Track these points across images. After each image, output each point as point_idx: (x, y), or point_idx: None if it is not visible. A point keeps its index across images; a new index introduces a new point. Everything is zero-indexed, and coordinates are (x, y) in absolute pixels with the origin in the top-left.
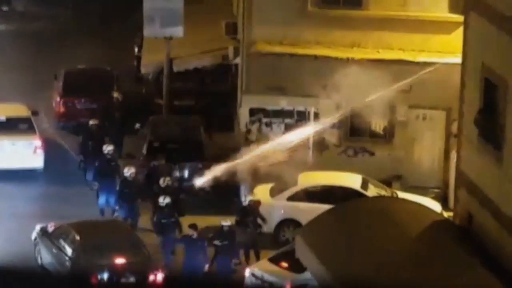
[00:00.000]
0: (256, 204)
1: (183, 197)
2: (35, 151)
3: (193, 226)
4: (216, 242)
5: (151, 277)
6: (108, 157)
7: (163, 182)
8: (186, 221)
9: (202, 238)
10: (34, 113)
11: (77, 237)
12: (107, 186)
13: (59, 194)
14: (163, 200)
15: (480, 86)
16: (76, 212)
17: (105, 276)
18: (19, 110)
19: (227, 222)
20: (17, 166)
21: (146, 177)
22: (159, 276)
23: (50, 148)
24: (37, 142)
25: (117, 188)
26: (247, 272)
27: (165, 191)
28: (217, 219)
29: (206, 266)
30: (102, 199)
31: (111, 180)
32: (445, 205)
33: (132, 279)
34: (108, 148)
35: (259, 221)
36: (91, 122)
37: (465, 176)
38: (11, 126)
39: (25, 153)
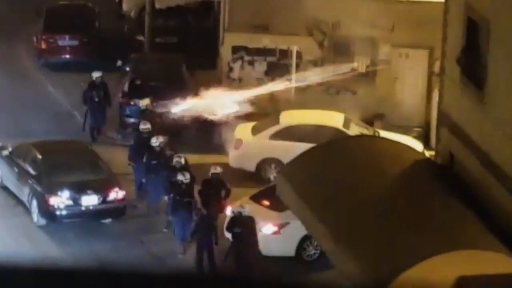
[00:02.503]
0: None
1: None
2: None
3: (205, 205)
4: (236, 229)
5: (112, 194)
6: (144, 136)
7: (178, 160)
8: None
9: (210, 215)
10: None
11: (39, 156)
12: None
13: None
14: (183, 177)
15: (463, 25)
16: None
17: (67, 193)
18: None
19: (244, 208)
20: None
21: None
22: (120, 194)
23: None
24: None
25: (144, 160)
26: (229, 211)
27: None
28: (201, 157)
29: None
30: (137, 180)
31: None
32: (427, 144)
33: (93, 196)
34: (145, 125)
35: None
36: (95, 75)
37: (447, 115)
38: None
39: None
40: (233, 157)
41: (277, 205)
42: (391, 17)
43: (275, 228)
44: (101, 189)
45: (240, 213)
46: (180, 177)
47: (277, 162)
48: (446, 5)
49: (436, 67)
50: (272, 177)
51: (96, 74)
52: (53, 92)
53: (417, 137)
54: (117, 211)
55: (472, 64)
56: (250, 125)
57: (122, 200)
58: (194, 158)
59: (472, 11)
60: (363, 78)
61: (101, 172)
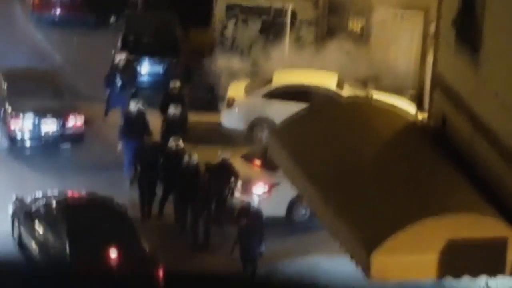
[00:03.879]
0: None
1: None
2: None
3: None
4: (243, 222)
5: (71, 121)
6: (136, 113)
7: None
8: None
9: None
10: None
11: (4, 82)
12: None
13: None
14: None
15: None
16: None
17: (28, 118)
18: None
19: (253, 199)
20: None
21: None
22: (79, 120)
23: None
24: None
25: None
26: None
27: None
28: (192, 115)
29: None
30: (126, 161)
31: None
32: (420, 107)
33: (53, 122)
34: (136, 105)
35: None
36: (119, 57)
37: (441, 78)
38: None
39: None
40: (225, 116)
41: (269, 165)
42: None
43: (266, 188)
44: (61, 115)
45: (248, 204)
46: (186, 158)
47: (270, 121)
48: None
49: (432, 29)
50: (264, 137)
51: (121, 56)
52: (46, 47)
53: (411, 99)
54: (75, 137)
55: (468, 26)
56: (243, 84)
57: (81, 126)
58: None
59: None
60: (358, 39)
61: (62, 99)
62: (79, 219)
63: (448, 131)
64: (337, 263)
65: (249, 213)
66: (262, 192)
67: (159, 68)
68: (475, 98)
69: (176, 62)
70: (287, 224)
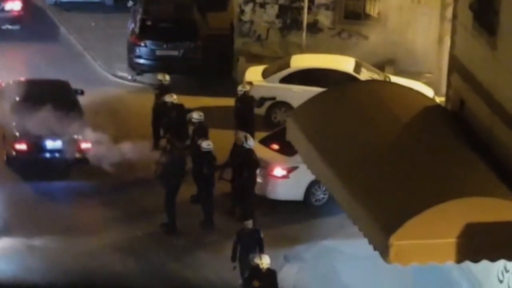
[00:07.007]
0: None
1: None
2: None
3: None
4: (255, 284)
5: (9, 5)
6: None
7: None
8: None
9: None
10: None
11: None
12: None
13: None
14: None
15: None
16: None
17: None
18: None
19: (265, 259)
20: None
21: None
22: (17, 5)
23: None
24: None
25: None
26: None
27: None
28: (209, 99)
29: None
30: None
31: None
32: (437, 90)
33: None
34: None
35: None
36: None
37: (458, 61)
38: None
39: None
40: None
41: (287, 149)
42: None
43: (284, 172)
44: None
45: (258, 265)
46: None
47: (287, 106)
48: None
49: (449, 13)
50: (282, 121)
51: (168, 99)
52: (64, 32)
53: (428, 83)
54: (15, 19)
55: (485, 10)
56: (260, 68)
57: (20, 11)
58: (203, 101)
59: None
60: (375, 23)
61: None
62: (30, 91)
63: (466, 115)
64: (355, 247)
65: (261, 274)
66: (280, 176)
67: (177, 53)
68: (493, 81)
69: (193, 46)
70: (305, 208)
